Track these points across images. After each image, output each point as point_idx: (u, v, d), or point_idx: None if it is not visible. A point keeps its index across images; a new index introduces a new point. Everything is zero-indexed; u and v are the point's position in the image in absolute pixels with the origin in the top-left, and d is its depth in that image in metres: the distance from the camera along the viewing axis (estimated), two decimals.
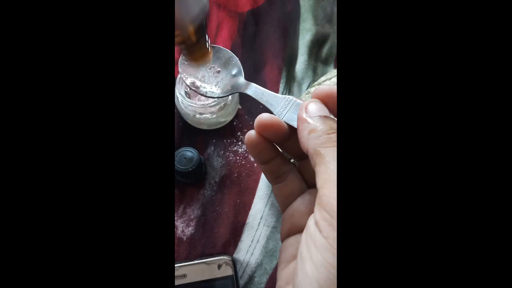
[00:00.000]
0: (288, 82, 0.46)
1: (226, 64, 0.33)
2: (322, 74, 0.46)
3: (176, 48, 0.45)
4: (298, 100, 0.26)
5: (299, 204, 0.27)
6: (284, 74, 0.46)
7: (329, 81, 0.42)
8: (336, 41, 0.47)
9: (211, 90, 0.33)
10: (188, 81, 0.33)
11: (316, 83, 0.43)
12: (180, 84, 0.40)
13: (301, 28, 0.47)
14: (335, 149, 0.22)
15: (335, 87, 0.25)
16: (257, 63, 0.46)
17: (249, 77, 0.46)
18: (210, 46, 0.32)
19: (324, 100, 0.25)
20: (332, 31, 0.47)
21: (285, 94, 0.46)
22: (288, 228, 0.27)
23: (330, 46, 0.47)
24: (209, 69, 0.33)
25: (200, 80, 0.33)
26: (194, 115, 0.41)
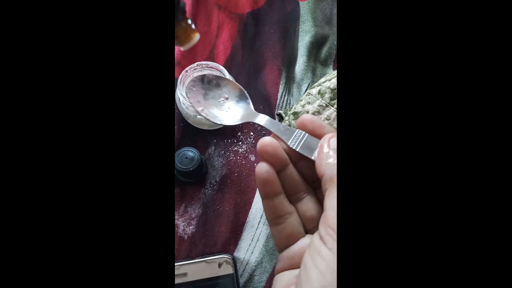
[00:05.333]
0: (287, 83, 0.46)
1: (232, 93, 0.35)
2: (321, 75, 0.47)
3: (176, 49, 0.46)
4: (308, 135, 0.30)
5: (300, 247, 0.29)
6: (283, 75, 0.47)
7: (328, 82, 0.42)
8: (335, 42, 0.47)
9: (219, 117, 0.34)
10: (199, 108, 0.35)
11: (315, 84, 0.44)
12: (181, 85, 0.40)
13: (300, 29, 0.48)
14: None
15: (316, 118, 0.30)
16: (257, 64, 0.47)
17: (249, 78, 0.46)
18: (194, 28, 0.36)
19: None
20: (331, 32, 0.47)
21: (285, 95, 0.46)
22: (286, 266, 0.29)
23: (329, 47, 0.47)
24: (219, 100, 0.35)
25: (208, 107, 0.35)
26: (195, 116, 0.41)
